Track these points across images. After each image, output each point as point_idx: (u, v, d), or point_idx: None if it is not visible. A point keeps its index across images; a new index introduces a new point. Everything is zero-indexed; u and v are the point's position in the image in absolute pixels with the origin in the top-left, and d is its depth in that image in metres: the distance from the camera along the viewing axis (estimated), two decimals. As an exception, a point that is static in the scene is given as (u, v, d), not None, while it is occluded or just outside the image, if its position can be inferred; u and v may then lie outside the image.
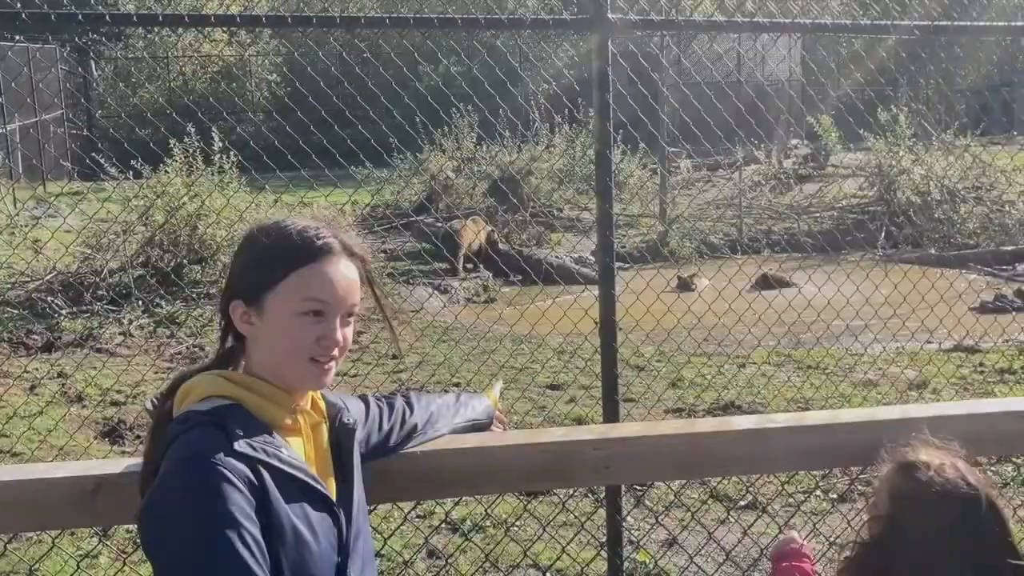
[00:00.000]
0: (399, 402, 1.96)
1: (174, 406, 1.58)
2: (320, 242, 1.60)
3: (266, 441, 1.52)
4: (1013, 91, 31.04)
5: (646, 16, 3.55)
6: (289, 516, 1.49)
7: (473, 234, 12.45)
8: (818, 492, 4.88)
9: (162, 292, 9.38)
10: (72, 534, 4.43)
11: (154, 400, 1.65)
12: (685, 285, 10.15)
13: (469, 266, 12.13)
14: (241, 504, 1.43)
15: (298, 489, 1.52)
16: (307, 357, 1.57)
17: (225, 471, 1.44)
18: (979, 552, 1.70)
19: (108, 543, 4.40)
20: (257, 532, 1.43)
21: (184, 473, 1.45)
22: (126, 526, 4.07)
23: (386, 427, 1.87)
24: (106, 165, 10.18)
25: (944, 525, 1.71)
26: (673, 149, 15.09)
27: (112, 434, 6.05)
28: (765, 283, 9.76)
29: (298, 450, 1.60)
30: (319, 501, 1.56)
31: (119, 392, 6.76)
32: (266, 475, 1.48)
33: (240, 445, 1.48)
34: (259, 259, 1.60)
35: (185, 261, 10.31)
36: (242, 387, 1.57)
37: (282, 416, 1.59)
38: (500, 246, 12.65)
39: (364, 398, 1.90)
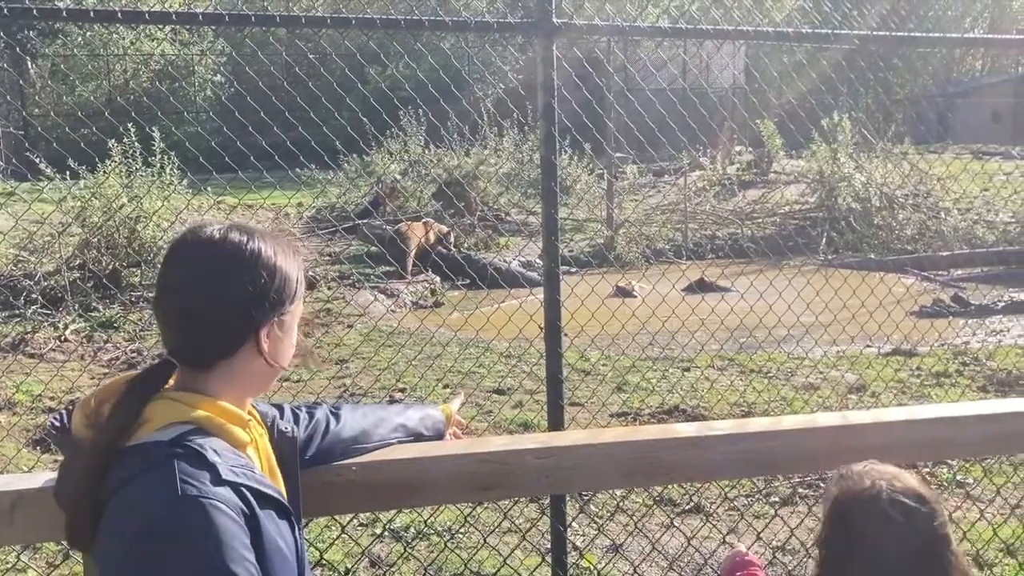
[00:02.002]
0: (321, 411, 1.90)
1: (116, 435, 1.42)
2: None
3: (243, 465, 1.45)
4: (948, 101, 31.95)
5: (591, 21, 3.54)
6: (273, 536, 1.44)
7: (420, 237, 12.39)
8: (760, 497, 4.92)
9: (98, 296, 9.13)
10: (-3, 548, 4.27)
11: (59, 422, 1.51)
12: (625, 292, 10.14)
13: (415, 270, 12.04)
14: (241, 538, 1.36)
15: (272, 506, 1.47)
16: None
17: (220, 505, 1.35)
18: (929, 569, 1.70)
19: (36, 558, 4.25)
20: (254, 563, 1.37)
21: (177, 517, 1.32)
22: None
23: (302, 437, 1.81)
24: (41, 165, 9.86)
25: (895, 544, 1.70)
26: (619, 155, 15.19)
27: (43, 442, 5.85)
28: (701, 286, 9.84)
29: (255, 463, 1.55)
30: (284, 513, 1.51)
31: (51, 399, 6.55)
32: (252, 499, 1.41)
33: (225, 473, 1.39)
34: (292, 271, 1.56)
35: (122, 265, 10.05)
36: (205, 409, 1.47)
37: (240, 432, 1.52)
38: (444, 250, 12.62)
39: (279, 406, 1.83)
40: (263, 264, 1.51)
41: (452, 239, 12.96)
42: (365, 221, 13.30)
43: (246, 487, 1.41)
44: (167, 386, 1.50)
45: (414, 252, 12.06)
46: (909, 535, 1.69)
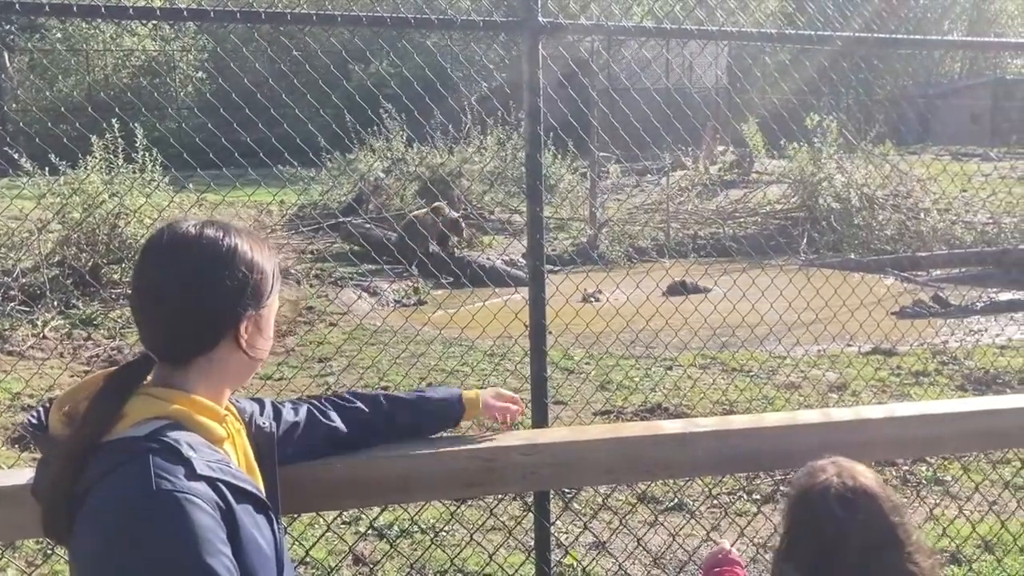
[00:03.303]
0: (304, 408, 1.91)
1: (95, 431, 1.42)
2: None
3: (219, 459, 1.46)
4: (928, 102, 32.21)
5: (576, 20, 3.55)
6: (250, 531, 1.44)
7: (439, 220, 12.53)
8: (743, 494, 4.96)
9: (78, 293, 9.06)
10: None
11: (36, 419, 1.50)
12: (590, 297, 9.74)
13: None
14: (217, 532, 1.36)
15: (249, 500, 1.48)
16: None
17: (195, 499, 1.35)
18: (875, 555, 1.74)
19: (15, 556, 4.21)
20: (231, 557, 1.37)
21: (151, 512, 1.33)
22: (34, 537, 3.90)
23: (279, 433, 1.81)
24: (21, 160, 9.76)
25: (837, 537, 1.76)
26: (603, 154, 15.22)
27: (22, 440, 5.80)
28: (683, 288, 9.85)
29: (232, 458, 1.56)
30: (262, 508, 1.51)
31: (31, 396, 6.51)
32: (228, 493, 1.42)
33: (201, 468, 1.39)
34: (268, 265, 1.57)
35: (103, 261, 9.98)
36: (181, 404, 1.48)
37: (217, 427, 1.52)
38: (456, 237, 12.75)
39: (260, 401, 1.83)
40: (240, 259, 1.52)
41: (463, 226, 13.01)
42: (349, 219, 13.26)
43: (222, 482, 1.42)
44: (145, 382, 1.50)
45: (434, 238, 12.24)
46: (851, 530, 1.74)
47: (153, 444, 1.39)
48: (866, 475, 1.83)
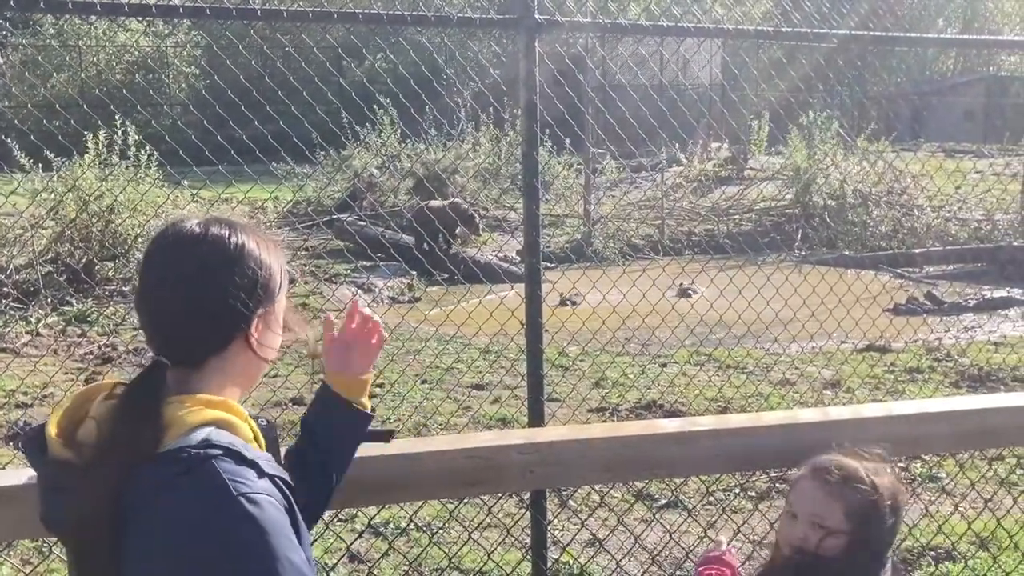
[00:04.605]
0: None
1: (142, 447, 1.35)
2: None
3: (268, 457, 1.44)
4: (922, 100, 32.28)
5: (572, 18, 3.55)
6: (300, 521, 1.44)
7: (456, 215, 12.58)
8: (739, 491, 4.96)
9: (72, 290, 9.03)
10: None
11: (30, 444, 1.43)
12: (572, 300, 9.56)
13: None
14: (289, 527, 1.36)
15: (292, 493, 1.46)
16: None
17: (269, 498, 1.35)
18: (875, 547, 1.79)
19: (10, 555, 4.20)
20: (300, 549, 1.38)
21: (234, 518, 1.30)
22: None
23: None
24: (17, 156, 9.71)
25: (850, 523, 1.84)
26: (598, 150, 15.22)
27: (17, 438, 5.79)
28: (690, 291, 9.85)
29: None
30: (292, 505, 1.49)
31: (25, 394, 6.48)
32: (285, 489, 1.42)
33: (266, 467, 1.38)
34: (275, 261, 1.54)
35: (97, 258, 9.95)
36: (219, 409, 1.43)
37: (246, 427, 1.48)
38: (468, 232, 12.89)
39: None
40: (249, 257, 1.49)
41: (478, 222, 13.00)
42: (346, 216, 13.24)
43: (279, 478, 1.41)
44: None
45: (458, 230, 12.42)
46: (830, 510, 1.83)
47: (213, 451, 1.35)
48: (861, 465, 1.87)
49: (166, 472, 1.32)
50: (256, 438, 1.50)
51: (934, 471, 5.18)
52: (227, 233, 1.49)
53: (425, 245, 11.82)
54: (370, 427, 1.78)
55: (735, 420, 2.42)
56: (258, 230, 1.57)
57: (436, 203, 12.80)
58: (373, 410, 1.80)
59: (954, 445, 3.20)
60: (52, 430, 1.40)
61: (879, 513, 1.84)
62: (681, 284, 9.90)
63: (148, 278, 1.48)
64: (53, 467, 1.38)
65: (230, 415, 1.44)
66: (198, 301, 1.45)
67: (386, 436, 1.83)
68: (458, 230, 12.76)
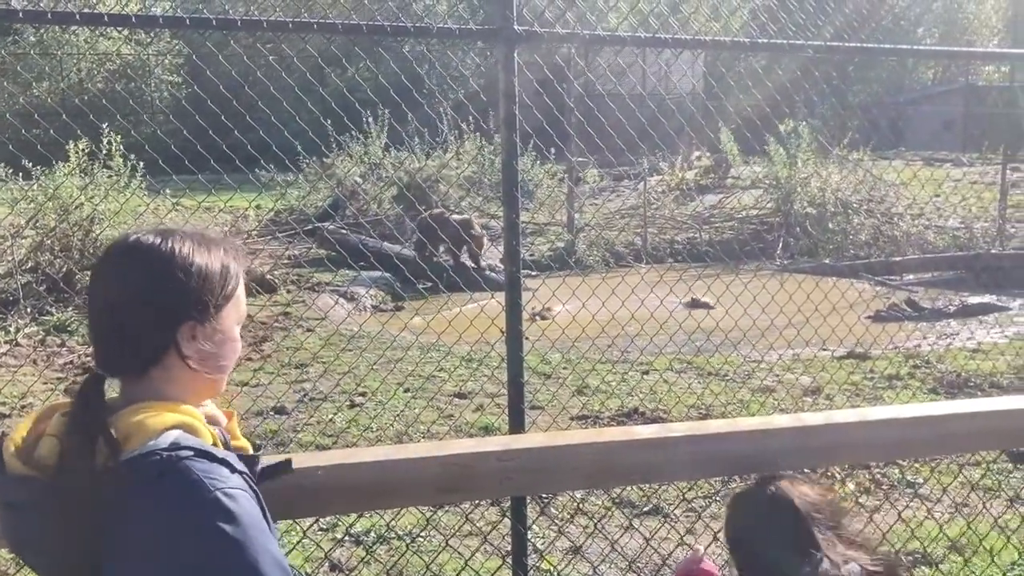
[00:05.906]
0: None
1: (106, 456, 1.35)
2: (244, 254, 1.60)
3: (235, 456, 1.45)
4: (900, 109, 32.59)
5: (552, 29, 3.58)
6: (270, 520, 1.46)
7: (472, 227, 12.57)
8: (718, 497, 4.99)
9: (52, 299, 8.97)
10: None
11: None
12: (542, 315, 9.56)
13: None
14: (263, 519, 1.39)
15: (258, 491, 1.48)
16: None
17: (245, 493, 1.37)
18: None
19: (-11, 565, 4.17)
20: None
21: (216, 515, 1.31)
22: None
23: None
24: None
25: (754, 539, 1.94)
26: (580, 159, 15.28)
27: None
28: (697, 304, 9.84)
29: None
30: (260, 500, 1.51)
31: (3, 404, 6.43)
32: (252, 484, 1.44)
33: (235, 463, 1.40)
34: (214, 272, 1.50)
35: (77, 267, 9.89)
36: (177, 412, 1.44)
37: (206, 429, 1.49)
38: (472, 243, 12.85)
39: None
40: (177, 264, 1.46)
41: (485, 240, 12.99)
42: (327, 224, 13.22)
43: (245, 474, 1.43)
44: (111, 398, 1.46)
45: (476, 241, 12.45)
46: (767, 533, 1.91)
47: (183, 452, 1.36)
48: (794, 489, 1.97)
49: (139, 477, 1.33)
50: (215, 443, 1.49)
51: (909, 476, 5.23)
52: (157, 242, 1.48)
53: (428, 253, 11.76)
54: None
55: (712, 426, 2.44)
56: (210, 237, 1.55)
57: (457, 217, 12.75)
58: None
59: (928, 451, 3.24)
60: (9, 450, 1.39)
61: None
62: (692, 297, 9.88)
63: (88, 291, 1.50)
64: (15, 483, 1.37)
65: (191, 419, 1.45)
66: (120, 315, 1.45)
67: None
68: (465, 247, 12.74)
